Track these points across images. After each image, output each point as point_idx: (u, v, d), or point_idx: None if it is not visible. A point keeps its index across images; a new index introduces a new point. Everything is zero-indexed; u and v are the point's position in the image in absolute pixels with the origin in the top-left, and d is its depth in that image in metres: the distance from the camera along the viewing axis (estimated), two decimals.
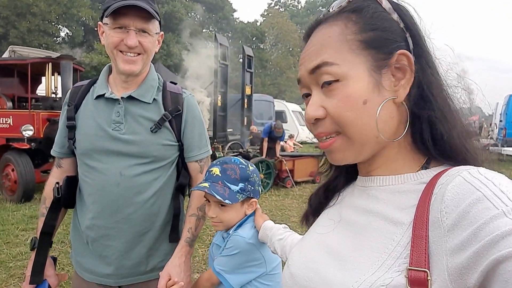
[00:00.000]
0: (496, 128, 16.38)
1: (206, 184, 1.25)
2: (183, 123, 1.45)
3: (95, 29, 26.85)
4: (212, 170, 1.29)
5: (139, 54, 1.34)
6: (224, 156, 6.62)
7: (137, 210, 1.36)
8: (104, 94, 1.39)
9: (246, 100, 9.78)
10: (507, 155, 13.83)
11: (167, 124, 1.41)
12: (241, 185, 1.25)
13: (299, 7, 60.39)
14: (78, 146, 1.40)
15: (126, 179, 1.35)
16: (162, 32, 1.44)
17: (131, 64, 1.34)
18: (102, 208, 1.36)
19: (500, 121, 15.58)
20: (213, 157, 6.36)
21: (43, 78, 7.67)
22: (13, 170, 6.22)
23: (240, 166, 1.28)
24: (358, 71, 0.58)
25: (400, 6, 0.62)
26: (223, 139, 8.93)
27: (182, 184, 1.49)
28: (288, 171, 8.18)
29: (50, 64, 7.02)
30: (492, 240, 0.44)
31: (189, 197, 1.53)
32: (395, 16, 0.60)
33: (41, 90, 8.41)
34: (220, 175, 1.26)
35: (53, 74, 7.38)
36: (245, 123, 9.90)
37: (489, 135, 15.81)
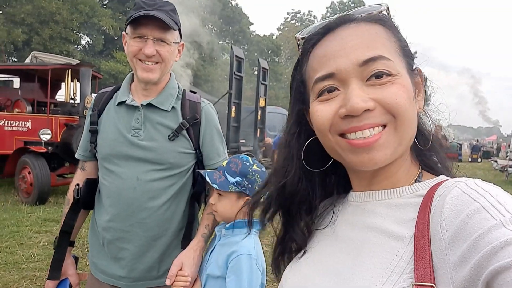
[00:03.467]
0: None
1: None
2: (202, 132, 1.48)
3: (115, 38, 27.47)
4: (223, 163, 1.39)
5: (157, 62, 1.39)
6: None
7: (151, 215, 1.40)
8: (125, 101, 1.44)
9: (259, 112, 9.82)
10: None
11: (184, 132, 1.44)
12: (238, 178, 1.30)
13: (315, 22, 60.87)
14: (99, 150, 1.46)
15: (142, 184, 1.39)
16: (182, 42, 1.49)
17: (149, 72, 1.38)
18: (118, 211, 1.40)
19: None
20: None
21: (63, 84, 7.86)
22: (29, 172, 6.35)
23: (244, 162, 1.34)
24: (404, 72, 0.60)
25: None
26: (236, 149, 8.96)
27: (198, 192, 1.52)
28: None
29: (70, 70, 7.20)
30: (491, 250, 0.44)
31: (205, 205, 1.55)
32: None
33: (60, 96, 8.61)
34: (224, 166, 1.34)
35: (72, 81, 7.55)
36: (258, 135, 9.92)
37: (507, 156, 15.42)
